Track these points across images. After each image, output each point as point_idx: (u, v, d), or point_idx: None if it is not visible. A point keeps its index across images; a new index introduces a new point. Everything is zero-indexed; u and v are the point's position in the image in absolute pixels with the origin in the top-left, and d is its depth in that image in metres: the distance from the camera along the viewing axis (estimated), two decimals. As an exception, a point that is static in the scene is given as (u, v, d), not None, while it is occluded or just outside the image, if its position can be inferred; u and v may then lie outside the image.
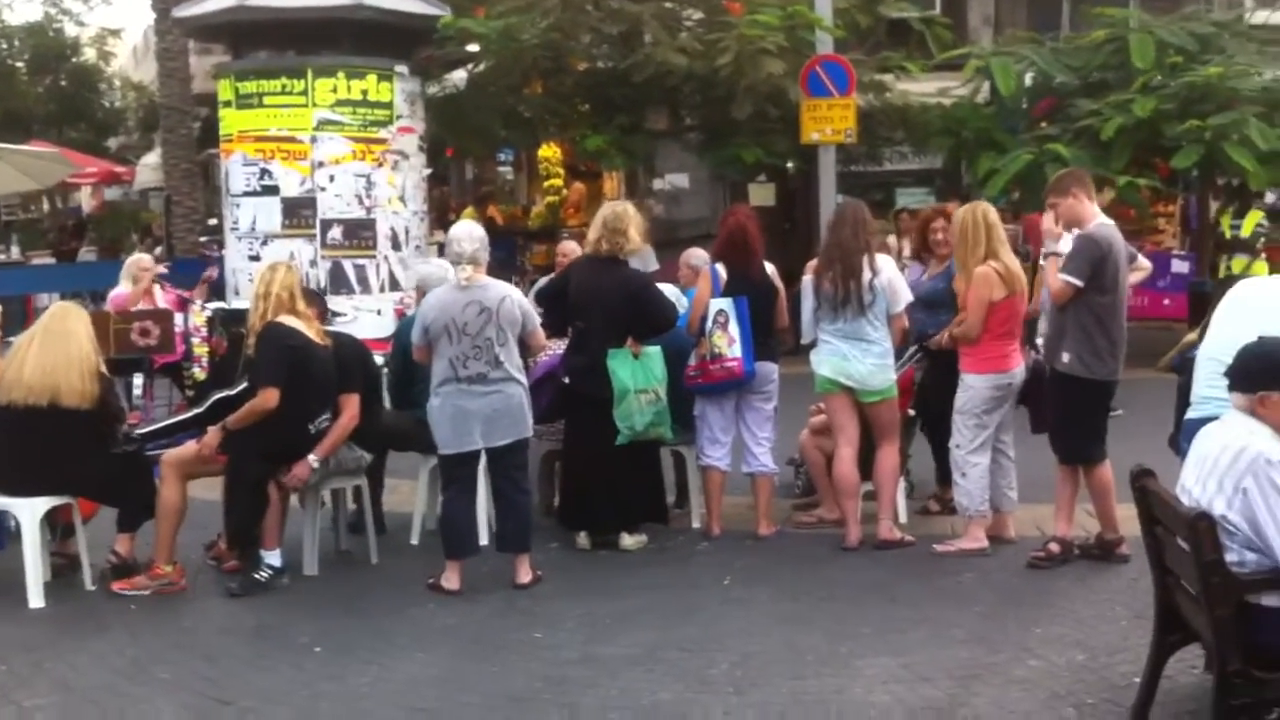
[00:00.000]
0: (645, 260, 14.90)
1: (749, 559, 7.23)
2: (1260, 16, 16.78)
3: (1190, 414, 5.02)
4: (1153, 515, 4.56)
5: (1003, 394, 7.12)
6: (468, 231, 6.84)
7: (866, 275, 7.15)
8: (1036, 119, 15.38)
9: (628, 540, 7.38)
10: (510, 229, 18.82)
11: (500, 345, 6.55)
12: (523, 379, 6.72)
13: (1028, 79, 15.21)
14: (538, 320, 6.88)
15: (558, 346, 7.52)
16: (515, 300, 6.68)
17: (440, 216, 18.83)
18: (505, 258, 15.88)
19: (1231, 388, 4.34)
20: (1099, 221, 6.83)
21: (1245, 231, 13.97)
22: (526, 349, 6.87)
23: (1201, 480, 4.20)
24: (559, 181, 19.95)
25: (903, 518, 7.76)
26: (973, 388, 7.11)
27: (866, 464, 7.37)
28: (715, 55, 12.98)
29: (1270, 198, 17.46)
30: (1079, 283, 6.64)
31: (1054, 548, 6.92)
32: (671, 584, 6.81)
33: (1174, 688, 5.01)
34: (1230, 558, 4.11)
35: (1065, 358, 6.76)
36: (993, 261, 6.99)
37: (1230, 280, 12.41)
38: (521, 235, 19.00)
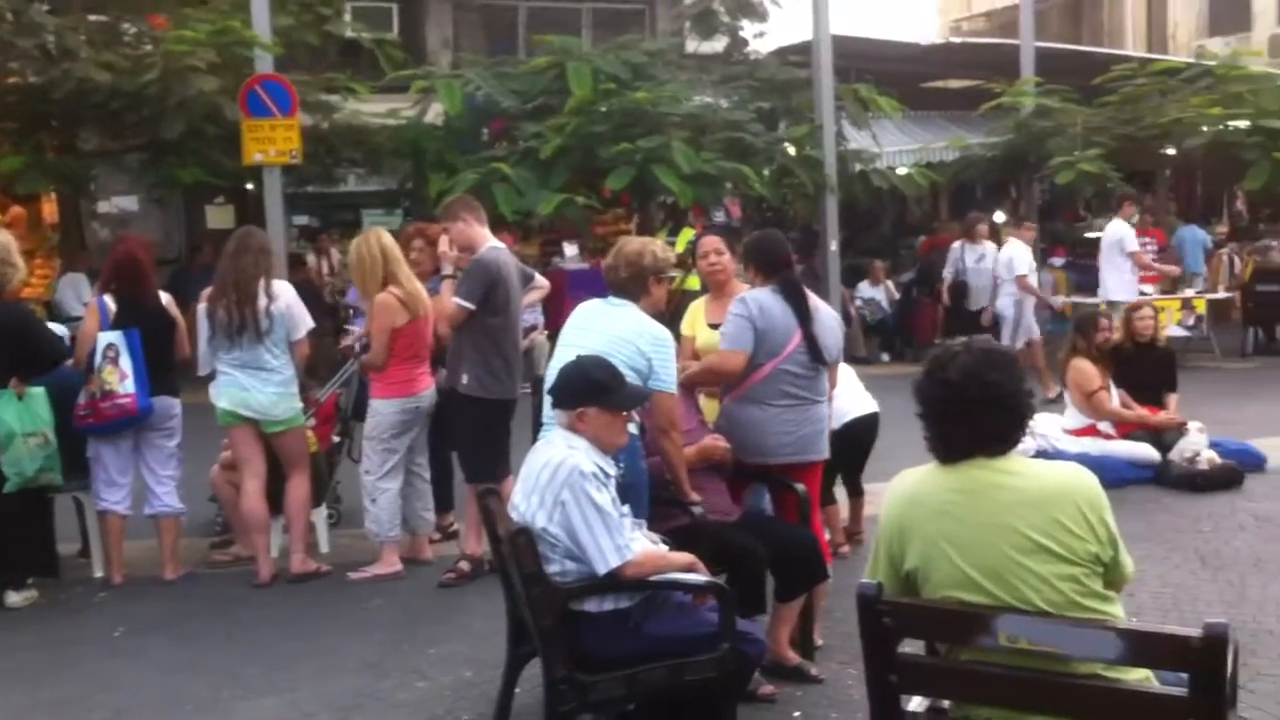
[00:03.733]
0: (78, 289, 14.03)
1: (150, 605, 6.85)
2: (691, 45, 18.06)
3: (542, 432, 5.19)
4: (496, 533, 4.67)
5: (411, 417, 7.14)
6: None
7: (263, 301, 6.96)
8: (493, 140, 15.78)
9: (14, 598, 6.78)
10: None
11: None
12: None
13: (480, 101, 15.57)
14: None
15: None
16: None
17: None
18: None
19: (554, 405, 4.51)
20: (490, 245, 7.00)
21: (679, 248, 14.89)
22: None
23: (526, 495, 4.33)
24: (-9, 206, 18.29)
25: (324, 547, 7.66)
26: (380, 413, 7.09)
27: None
28: (142, 71, 12.33)
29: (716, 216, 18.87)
30: (471, 306, 6.76)
31: (464, 566, 7.02)
32: (56, 640, 6.32)
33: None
34: (553, 568, 4.26)
35: (465, 379, 6.87)
36: (392, 287, 7.00)
37: (670, 294, 13.24)
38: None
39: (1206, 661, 2.95)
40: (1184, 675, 3.01)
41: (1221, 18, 32.59)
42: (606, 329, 5.17)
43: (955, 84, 22.73)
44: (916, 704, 3.51)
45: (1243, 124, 16.30)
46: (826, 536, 6.84)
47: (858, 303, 17.06)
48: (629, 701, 4.38)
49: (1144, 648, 3.08)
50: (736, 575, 5.16)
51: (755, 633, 4.54)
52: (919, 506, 3.37)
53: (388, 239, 7.13)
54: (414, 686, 5.55)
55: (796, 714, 5.08)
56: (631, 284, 5.36)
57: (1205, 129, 16.30)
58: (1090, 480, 3.28)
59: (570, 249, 18.33)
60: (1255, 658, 5.49)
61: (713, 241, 6.31)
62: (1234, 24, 31.90)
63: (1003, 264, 13.43)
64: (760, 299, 5.49)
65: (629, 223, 20.38)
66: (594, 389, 4.43)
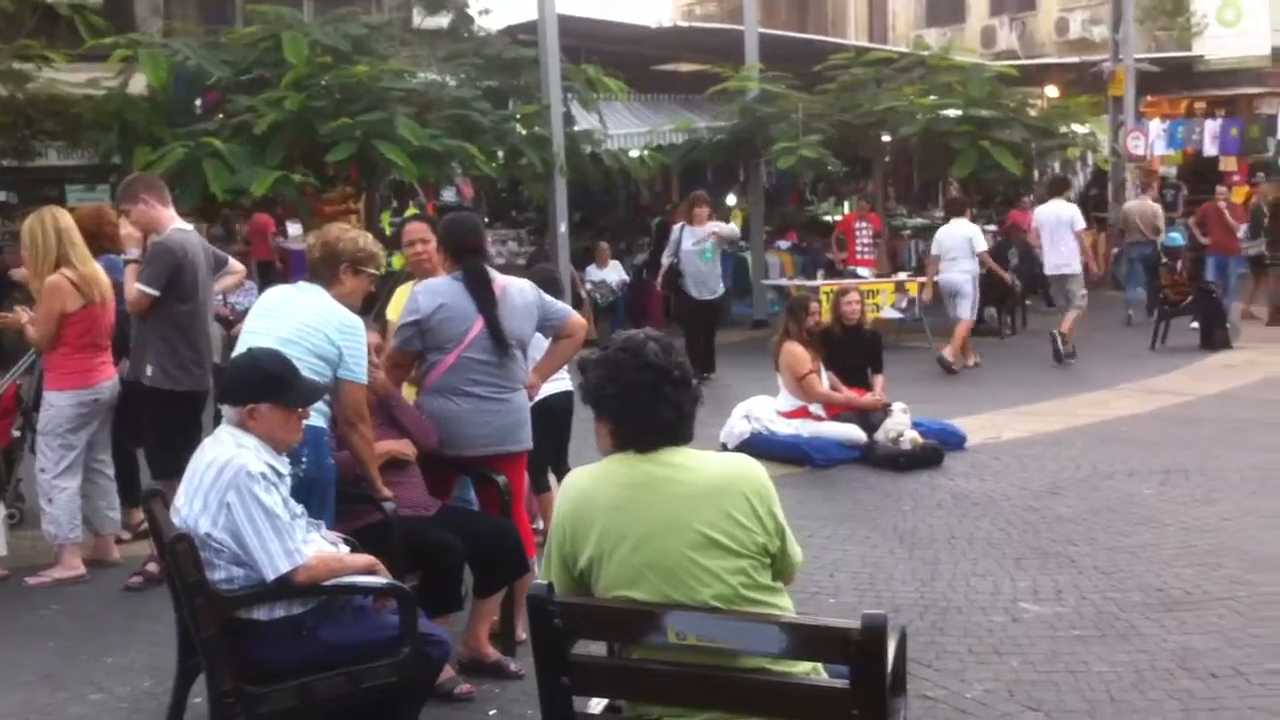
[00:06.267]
0: None
1: None
2: (417, 20, 17.63)
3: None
4: (161, 539, 4.36)
5: (89, 410, 6.69)
6: None
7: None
8: (207, 113, 15.02)
9: None
10: None
11: None
12: None
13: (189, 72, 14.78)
14: None
15: None
16: None
17: None
18: None
19: (223, 400, 4.23)
20: (175, 227, 6.59)
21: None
22: None
23: (190, 498, 4.04)
24: None
25: (1, 550, 7.11)
26: (55, 405, 6.63)
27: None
28: None
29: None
30: (154, 292, 6.36)
31: (153, 568, 6.60)
32: None
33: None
34: (219, 575, 3.99)
35: (150, 371, 6.46)
36: (65, 270, 6.52)
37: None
38: None
39: (866, 653, 2.96)
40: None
41: (938, 9, 34.15)
42: (294, 315, 4.91)
43: (685, 67, 22.98)
44: (596, 704, 3.43)
45: (953, 113, 17.00)
46: (539, 525, 6.74)
47: (588, 285, 17.05)
48: (305, 712, 4.15)
49: (806, 641, 3.06)
50: (431, 573, 5.00)
51: (439, 634, 4.37)
52: (591, 503, 3.28)
53: (65, 218, 6.64)
54: (88, 699, 5.20)
55: (493, 712, 4.95)
56: (322, 266, 5.10)
57: (919, 117, 16.93)
58: (758, 471, 3.26)
59: (294, 228, 17.72)
60: (943, 635, 5.65)
61: (418, 229, 6.07)
62: (950, 15, 33.46)
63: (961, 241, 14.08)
64: (436, 288, 5.33)
65: (357, 202, 19.87)
66: (266, 384, 4.16)
